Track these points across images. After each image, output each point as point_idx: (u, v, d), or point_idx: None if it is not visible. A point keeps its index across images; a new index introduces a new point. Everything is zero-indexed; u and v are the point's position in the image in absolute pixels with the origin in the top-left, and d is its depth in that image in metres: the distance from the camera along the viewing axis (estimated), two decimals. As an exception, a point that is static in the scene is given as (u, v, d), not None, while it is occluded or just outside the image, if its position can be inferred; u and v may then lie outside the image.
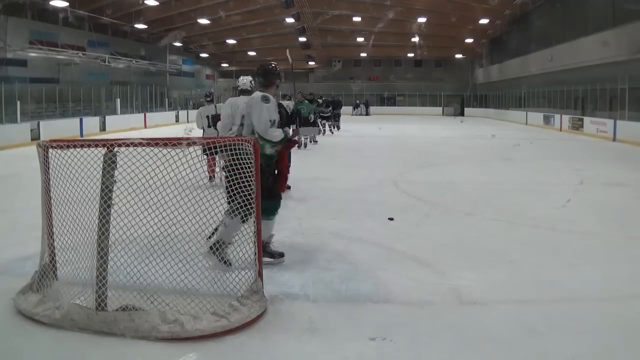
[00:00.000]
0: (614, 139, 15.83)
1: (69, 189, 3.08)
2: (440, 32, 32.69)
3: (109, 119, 19.83)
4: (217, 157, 3.26)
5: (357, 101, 36.98)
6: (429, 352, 2.64)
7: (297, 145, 10.42)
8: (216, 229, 3.49)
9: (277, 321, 2.95)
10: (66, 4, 21.12)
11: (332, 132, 18.01)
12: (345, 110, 26.24)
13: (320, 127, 16.26)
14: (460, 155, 12.31)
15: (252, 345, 2.70)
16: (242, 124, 3.84)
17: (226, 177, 3.31)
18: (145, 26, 28.51)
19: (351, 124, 23.28)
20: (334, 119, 18.49)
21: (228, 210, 3.50)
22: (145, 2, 24.64)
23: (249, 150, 3.07)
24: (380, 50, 36.37)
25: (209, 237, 3.49)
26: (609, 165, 10.37)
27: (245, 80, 5.40)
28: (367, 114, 35.93)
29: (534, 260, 4.07)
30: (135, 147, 2.93)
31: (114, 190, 2.95)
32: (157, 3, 25.54)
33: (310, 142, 13.35)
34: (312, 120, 12.23)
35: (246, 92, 5.27)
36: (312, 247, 4.39)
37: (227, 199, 3.39)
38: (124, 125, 20.46)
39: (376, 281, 3.59)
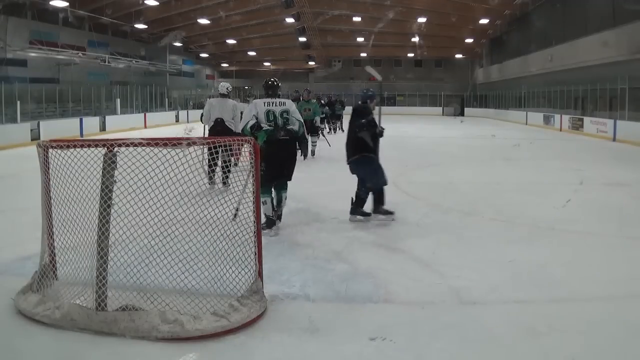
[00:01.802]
0: (614, 139, 15.82)
1: (69, 189, 3.08)
2: (440, 32, 32.69)
3: (109, 119, 19.79)
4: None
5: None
6: (429, 352, 2.64)
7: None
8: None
9: (277, 321, 2.95)
10: (66, 4, 21.12)
11: (324, 136, 14.13)
12: (345, 110, 26.17)
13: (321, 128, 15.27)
14: (460, 155, 12.30)
15: (252, 345, 2.70)
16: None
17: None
18: (145, 26, 28.51)
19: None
20: (333, 120, 18.16)
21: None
22: (145, 2, 24.65)
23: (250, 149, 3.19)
24: (380, 50, 36.34)
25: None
26: (609, 165, 10.35)
27: (222, 88, 6.92)
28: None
29: (534, 260, 4.07)
30: (135, 147, 2.93)
31: (114, 190, 2.95)
32: (157, 3, 25.54)
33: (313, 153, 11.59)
34: (317, 124, 11.23)
35: (224, 95, 6.83)
36: (312, 246, 4.39)
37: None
38: (124, 125, 20.43)
39: (376, 281, 3.59)
